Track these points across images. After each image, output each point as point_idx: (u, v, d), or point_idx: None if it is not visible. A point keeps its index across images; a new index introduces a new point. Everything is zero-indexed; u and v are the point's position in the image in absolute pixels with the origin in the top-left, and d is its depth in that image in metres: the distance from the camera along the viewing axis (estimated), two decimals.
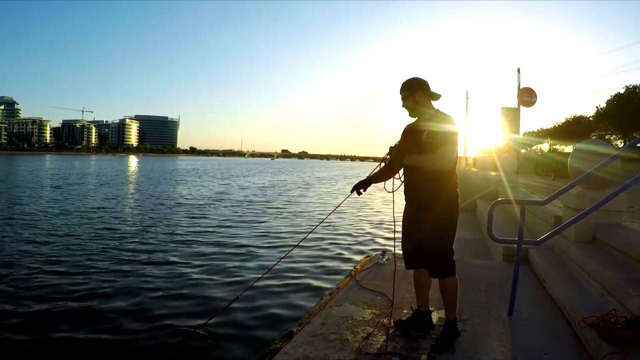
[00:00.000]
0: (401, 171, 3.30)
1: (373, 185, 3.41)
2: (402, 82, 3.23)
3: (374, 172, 3.39)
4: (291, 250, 5.00)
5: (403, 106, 3.23)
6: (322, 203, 22.28)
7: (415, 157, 3.08)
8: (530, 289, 4.40)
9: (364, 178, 3.37)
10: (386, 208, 17.77)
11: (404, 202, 3.35)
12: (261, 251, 10.01)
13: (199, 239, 11.39)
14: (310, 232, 4.23)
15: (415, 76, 3.23)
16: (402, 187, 3.30)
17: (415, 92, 3.15)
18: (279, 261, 4.37)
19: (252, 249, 10.26)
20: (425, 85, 3.18)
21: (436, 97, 3.20)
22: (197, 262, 8.80)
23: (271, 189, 30.89)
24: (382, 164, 3.29)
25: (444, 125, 3.03)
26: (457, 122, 3.12)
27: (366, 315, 3.60)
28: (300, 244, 4.16)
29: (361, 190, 3.33)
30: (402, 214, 3.38)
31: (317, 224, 3.80)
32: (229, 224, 14.04)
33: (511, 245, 4.56)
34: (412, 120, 3.29)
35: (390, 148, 3.20)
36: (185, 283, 7.39)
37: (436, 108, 3.20)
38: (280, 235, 12.36)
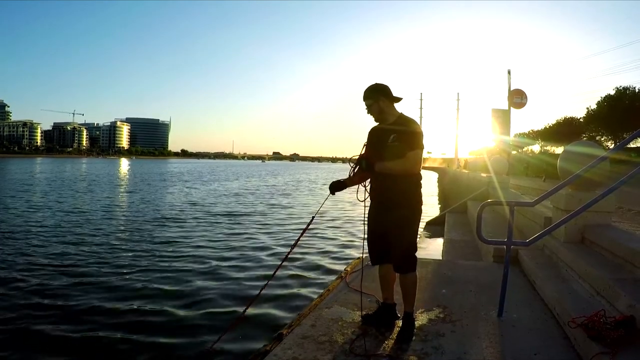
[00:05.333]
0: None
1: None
2: (364, 90, 3.34)
3: (349, 176, 3.49)
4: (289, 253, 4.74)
5: (368, 113, 3.36)
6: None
7: (387, 164, 3.19)
8: (520, 289, 4.40)
9: (340, 179, 3.46)
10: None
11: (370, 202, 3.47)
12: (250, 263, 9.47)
13: (196, 252, 10.38)
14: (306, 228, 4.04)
15: (376, 82, 3.36)
16: (369, 187, 3.43)
17: (379, 99, 3.28)
18: (281, 263, 4.26)
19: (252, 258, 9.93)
20: (388, 90, 3.31)
21: (397, 100, 3.33)
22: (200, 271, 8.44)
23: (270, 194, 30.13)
24: (354, 171, 3.39)
25: (410, 128, 3.19)
26: (419, 124, 3.28)
27: (356, 317, 3.58)
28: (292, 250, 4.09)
29: (335, 192, 3.46)
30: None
31: (304, 228, 3.76)
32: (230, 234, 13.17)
33: (501, 246, 4.57)
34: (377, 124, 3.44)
35: (360, 159, 3.32)
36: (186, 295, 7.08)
37: (399, 112, 3.34)
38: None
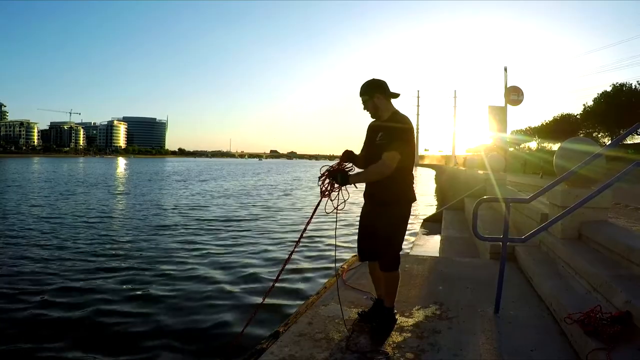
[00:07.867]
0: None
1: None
2: (361, 85, 3.31)
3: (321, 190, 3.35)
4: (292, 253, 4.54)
5: (364, 109, 3.34)
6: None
7: (361, 175, 3.16)
8: (516, 286, 4.41)
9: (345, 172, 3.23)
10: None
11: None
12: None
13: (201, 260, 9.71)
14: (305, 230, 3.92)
15: (373, 78, 3.32)
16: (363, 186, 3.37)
17: (374, 95, 3.25)
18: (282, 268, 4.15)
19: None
20: (384, 86, 3.28)
21: (395, 96, 3.31)
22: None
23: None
24: (327, 185, 3.24)
25: (396, 126, 3.16)
26: (412, 121, 3.29)
27: (352, 315, 3.57)
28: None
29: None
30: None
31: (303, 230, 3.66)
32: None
33: (497, 242, 4.57)
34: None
35: (334, 174, 3.20)
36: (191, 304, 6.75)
37: (395, 108, 3.31)
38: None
